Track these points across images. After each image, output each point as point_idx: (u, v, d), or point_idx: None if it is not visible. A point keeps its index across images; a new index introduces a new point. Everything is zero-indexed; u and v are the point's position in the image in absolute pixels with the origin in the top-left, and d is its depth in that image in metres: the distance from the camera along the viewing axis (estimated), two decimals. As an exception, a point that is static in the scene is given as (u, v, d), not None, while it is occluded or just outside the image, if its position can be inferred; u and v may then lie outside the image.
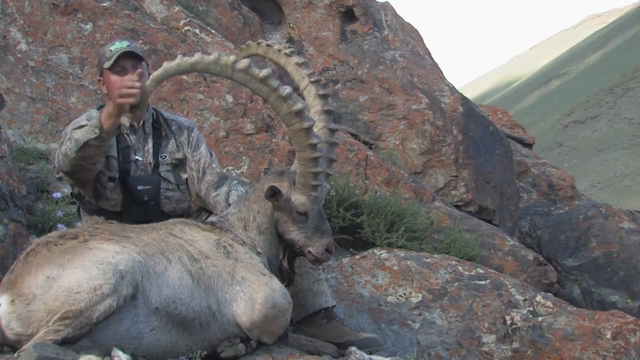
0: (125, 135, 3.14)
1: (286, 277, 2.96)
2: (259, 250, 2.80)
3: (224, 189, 3.19)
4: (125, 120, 3.13)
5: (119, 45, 3.08)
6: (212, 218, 2.90)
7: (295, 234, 2.86)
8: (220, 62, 2.61)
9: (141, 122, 3.20)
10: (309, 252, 2.87)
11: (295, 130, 2.70)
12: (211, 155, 3.31)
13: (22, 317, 2.12)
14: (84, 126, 2.74)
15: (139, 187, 3.05)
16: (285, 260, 2.92)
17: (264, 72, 2.61)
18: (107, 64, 3.05)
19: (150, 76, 2.65)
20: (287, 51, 2.96)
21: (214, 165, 3.26)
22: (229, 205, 3.08)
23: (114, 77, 3.04)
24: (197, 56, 2.62)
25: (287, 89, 2.66)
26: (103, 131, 2.71)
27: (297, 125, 2.68)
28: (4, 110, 4.99)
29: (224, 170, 3.34)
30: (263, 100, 2.73)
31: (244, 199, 2.90)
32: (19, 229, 3.32)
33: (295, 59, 2.96)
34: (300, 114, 2.67)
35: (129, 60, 3.07)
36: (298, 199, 2.81)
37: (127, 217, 3.04)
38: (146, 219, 2.98)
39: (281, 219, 2.85)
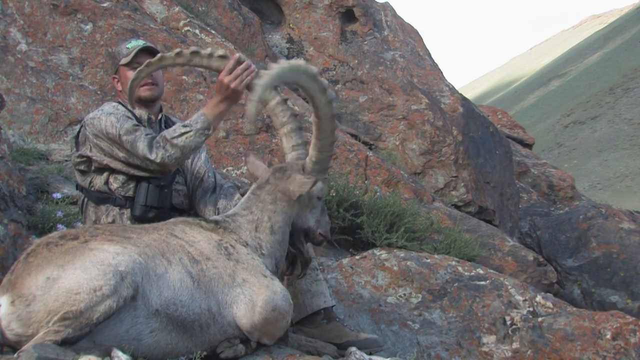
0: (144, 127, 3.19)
1: (307, 264, 3.06)
2: (263, 251, 2.78)
3: (214, 196, 3.25)
4: (143, 114, 3.20)
5: (135, 43, 3.17)
6: (216, 217, 2.88)
7: (311, 221, 2.95)
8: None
9: (159, 117, 3.28)
10: (320, 234, 2.97)
11: (327, 118, 2.82)
12: (208, 162, 3.36)
13: (22, 317, 2.12)
14: (185, 133, 2.87)
15: None
16: (304, 250, 3.01)
17: (314, 69, 2.73)
18: (124, 60, 3.13)
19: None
20: (221, 53, 2.85)
21: (210, 174, 3.31)
22: (218, 211, 3.14)
23: (131, 73, 3.12)
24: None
25: (324, 82, 2.79)
26: (213, 130, 2.93)
27: (329, 112, 2.82)
28: (4, 111, 4.99)
29: (219, 177, 3.39)
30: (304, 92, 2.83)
31: (256, 200, 2.86)
32: (19, 229, 3.31)
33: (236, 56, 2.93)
34: (332, 102, 2.82)
35: (146, 56, 3.13)
36: (316, 185, 2.90)
37: (139, 201, 3.05)
38: (159, 206, 3.05)
39: (300, 211, 2.92)
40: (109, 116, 2.98)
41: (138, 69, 2.76)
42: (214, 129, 2.96)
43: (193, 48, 2.74)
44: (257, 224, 2.81)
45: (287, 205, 2.86)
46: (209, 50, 2.77)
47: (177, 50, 2.72)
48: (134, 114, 3.16)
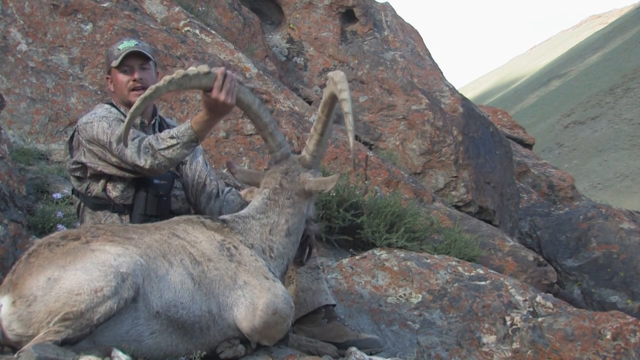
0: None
1: (312, 247, 3.19)
2: (273, 254, 2.79)
3: (218, 202, 3.26)
4: (137, 118, 3.17)
5: (127, 44, 3.13)
6: (225, 216, 2.88)
7: (310, 210, 3.08)
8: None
9: (152, 122, 3.26)
10: (312, 218, 3.16)
11: (325, 117, 2.92)
12: (207, 166, 3.35)
13: (23, 318, 2.12)
14: (172, 146, 2.79)
15: (156, 181, 3.07)
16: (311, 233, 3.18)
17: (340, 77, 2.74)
18: (114, 63, 3.11)
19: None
20: (206, 69, 2.71)
21: (211, 178, 3.30)
22: (221, 215, 3.15)
23: (121, 76, 3.13)
24: None
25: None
26: (200, 140, 2.85)
27: (327, 114, 2.92)
28: (4, 111, 4.99)
29: (220, 181, 3.40)
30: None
31: (274, 205, 2.87)
32: (19, 229, 3.32)
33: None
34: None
35: (136, 59, 3.12)
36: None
37: (137, 211, 3.05)
38: (158, 214, 3.03)
39: (309, 205, 3.03)
40: (100, 121, 2.95)
41: (133, 106, 2.57)
42: (201, 141, 2.90)
43: (181, 72, 2.63)
44: (272, 227, 2.82)
45: (303, 205, 2.93)
46: (195, 69, 2.66)
47: (168, 78, 2.60)
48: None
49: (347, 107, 2.64)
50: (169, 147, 2.81)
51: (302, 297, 3.15)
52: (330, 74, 2.78)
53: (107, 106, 3.14)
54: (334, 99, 2.82)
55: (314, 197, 3.08)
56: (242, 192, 3.27)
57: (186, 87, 2.68)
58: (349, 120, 2.62)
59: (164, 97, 5.54)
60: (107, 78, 3.23)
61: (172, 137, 2.82)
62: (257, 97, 2.93)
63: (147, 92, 2.57)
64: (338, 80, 2.68)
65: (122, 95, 3.15)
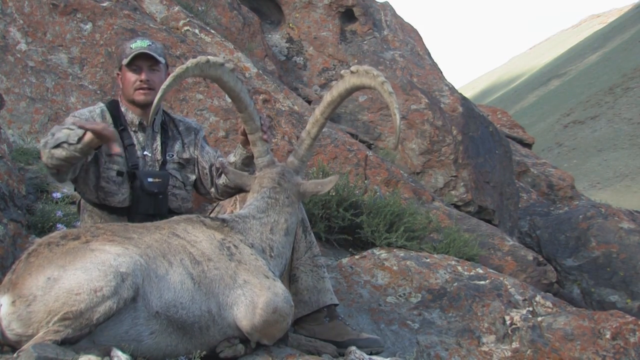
0: (131, 132, 3.18)
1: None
2: (273, 253, 2.80)
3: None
4: (135, 118, 3.19)
5: (140, 44, 3.14)
6: (224, 215, 2.89)
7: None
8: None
9: (152, 121, 3.25)
10: None
11: (324, 120, 2.98)
12: (216, 152, 3.40)
13: (23, 318, 2.12)
14: (64, 127, 2.75)
15: (149, 179, 3.07)
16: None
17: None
18: (124, 61, 3.13)
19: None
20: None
21: (221, 159, 3.35)
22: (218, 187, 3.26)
23: (129, 75, 3.15)
24: None
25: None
26: (81, 152, 2.73)
27: (327, 117, 2.98)
28: (4, 110, 4.99)
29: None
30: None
31: (274, 204, 2.90)
32: (18, 229, 3.32)
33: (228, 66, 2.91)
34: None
35: (146, 60, 3.14)
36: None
37: (135, 211, 3.06)
38: (155, 213, 3.04)
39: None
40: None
41: (164, 84, 2.58)
42: (83, 149, 2.73)
43: (204, 57, 2.69)
44: (273, 226, 2.85)
45: (298, 206, 2.99)
46: (213, 58, 2.73)
47: (195, 60, 2.65)
48: (124, 118, 3.16)
49: (389, 88, 2.72)
50: (65, 127, 2.76)
51: (307, 296, 3.15)
52: (359, 68, 2.85)
53: (92, 107, 3.18)
54: (349, 93, 2.91)
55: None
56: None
57: (206, 74, 2.75)
58: (393, 99, 2.69)
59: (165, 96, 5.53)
60: (118, 74, 3.25)
61: (74, 123, 2.78)
62: (252, 100, 2.96)
63: (178, 70, 2.60)
64: (377, 74, 2.77)
65: (128, 93, 3.17)
